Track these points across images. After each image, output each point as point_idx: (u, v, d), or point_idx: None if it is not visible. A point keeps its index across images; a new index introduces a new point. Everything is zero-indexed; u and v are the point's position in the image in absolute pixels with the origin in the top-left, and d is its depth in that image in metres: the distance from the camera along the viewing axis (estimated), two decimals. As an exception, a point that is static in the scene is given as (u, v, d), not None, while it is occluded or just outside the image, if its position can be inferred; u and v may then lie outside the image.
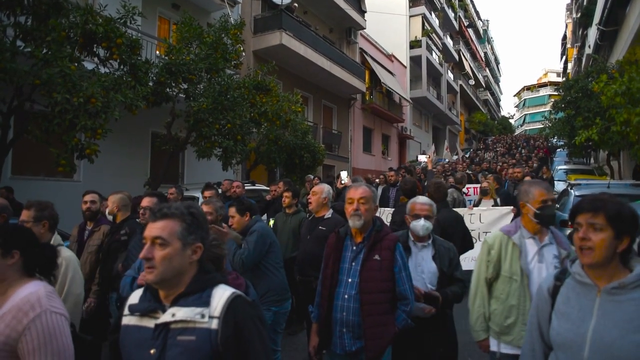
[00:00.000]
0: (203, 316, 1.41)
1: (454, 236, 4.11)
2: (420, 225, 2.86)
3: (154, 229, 1.46)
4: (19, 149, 7.42)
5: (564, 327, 1.64)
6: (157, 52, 10.38)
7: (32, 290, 1.76)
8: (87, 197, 4.40)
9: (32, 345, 1.64)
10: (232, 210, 3.61)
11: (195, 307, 1.42)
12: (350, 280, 2.59)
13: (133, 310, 1.51)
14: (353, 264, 2.63)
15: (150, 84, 7.74)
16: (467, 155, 27.10)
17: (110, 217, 4.26)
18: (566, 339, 1.62)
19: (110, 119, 6.16)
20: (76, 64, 6.00)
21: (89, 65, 6.72)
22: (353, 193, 2.67)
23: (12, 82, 5.64)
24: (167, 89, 8.25)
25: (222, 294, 1.47)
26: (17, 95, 6.14)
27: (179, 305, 1.44)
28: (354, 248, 2.66)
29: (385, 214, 7.67)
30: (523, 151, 25.58)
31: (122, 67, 7.04)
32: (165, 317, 1.42)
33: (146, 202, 3.58)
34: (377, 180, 11.85)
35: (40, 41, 5.98)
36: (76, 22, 6.35)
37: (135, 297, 1.56)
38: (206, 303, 1.44)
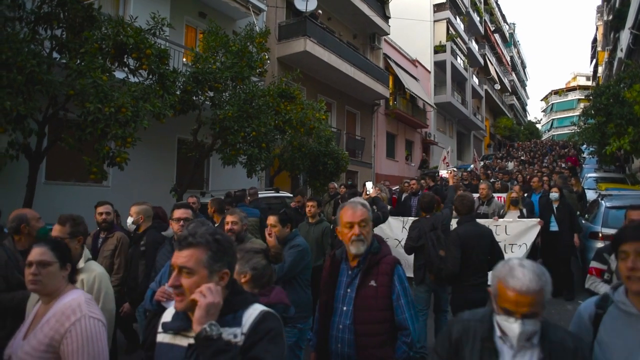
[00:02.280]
0: (236, 336, 1.45)
1: (473, 253, 4.04)
2: (515, 332, 1.53)
3: (180, 257, 1.47)
4: (53, 156, 7.68)
5: (609, 359, 1.58)
6: (184, 60, 10.60)
7: (73, 297, 1.95)
8: (102, 209, 4.45)
9: (72, 348, 1.80)
10: (274, 220, 3.56)
11: (228, 328, 1.46)
12: (345, 308, 2.37)
13: (166, 328, 1.54)
14: (348, 290, 2.40)
15: (178, 92, 7.91)
16: (489, 162, 26.35)
17: (132, 227, 4.33)
18: None
19: (140, 128, 6.34)
20: (108, 75, 6.19)
21: (119, 75, 6.92)
22: (352, 216, 2.36)
23: (47, 93, 5.86)
24: (194, 97, 8.41)
25: (252, 313, 1.51)
26: (52, 105, 6.37)
27: None
28: (350, 273, 2.43)
29: (409, 223, 7.62)
30: (545, 159, 24.62)
31: (150, 76, 7.22)
32: None
33: (181, 213, 3.58)
34: (396, 187, 11.81)
35: (75, 53, 6.21)
36: (108, 34, 6.56)
37: (168, 315, 1.60)
38: (239, 323, 1.48)
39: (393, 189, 12.19)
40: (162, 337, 1.55)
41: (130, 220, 4.29)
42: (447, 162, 17.36)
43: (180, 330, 1.50)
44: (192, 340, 1.45)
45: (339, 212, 2.47)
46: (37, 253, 1.98)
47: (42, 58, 5.75)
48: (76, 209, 8.10)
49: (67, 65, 6.03)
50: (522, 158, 26.79)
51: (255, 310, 1.52)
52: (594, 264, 3.51)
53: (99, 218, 4.44)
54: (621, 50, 19.71)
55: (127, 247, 4.35)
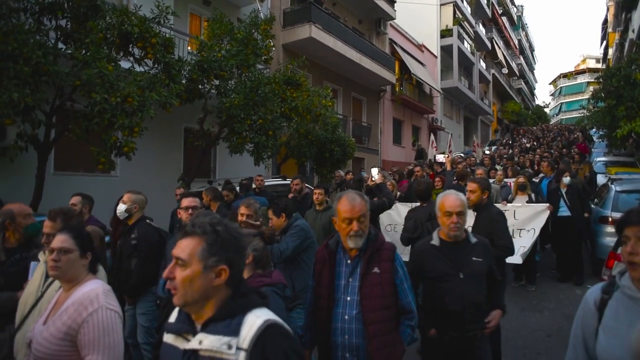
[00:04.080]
0: (230, 347, 1.29)
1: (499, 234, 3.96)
2: None
3: (177, 247, 1.37)
4: (61, 146, 7.72)
5: (612, 343, 1.57)
6: (189, 48, 10.55)
7: (92, 287, 1.99)
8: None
9: (88, 338, 1.84)
10: (269, 213, 3.67)
11: (222, 336, 1.31)
12: (349, 298, 2.33)
13: (168, 330, 1.48)
14: (350, 279, 2.35)
15: (183, 81, 7.89)
16: (492, 149, 25.70)
17: (124, 215, 3.95)
18: (613, 356, 1.56)
19: (146, 117, 6.34)
20: (113, 65, 6.18)
21: (124, 65, 6.91)
22: (351, 211, 2.28)
23: (54, 83, 5.88)
24: (200, 86, 8.39)
25: (253, 322, 1.32)
26: (58, 96, 6.39)
27: (207, 332, 1.34)
28: (349, 262, 2.38)
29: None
30: (552, 145, 23.76)
31: (156, 65, 7.21)
32: (192, 344, 1.35)
33: (189, 201, 3.58)
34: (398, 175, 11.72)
35: (80, 43, 6.21)
36: (113, 24, 6.54)
37: (173, 315, 1.52)
38: (235, 332, 1.31)
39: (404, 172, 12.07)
40: (166, 337, 1.48)
41: (123, 207, 3.91)
42: (435, 147, 17.05)
43: (181, 332, 1.41)
44: (187, 345, 1.35)
45: (336, 203, 2.39)
46: (58, 240, 2.06)
47: (47, 49, 5.75)
48: (85, 199, 8.11)
49: (73, 55, 6.03)
50: (527, 145, 25.54)
51: (257, 319, 1.33)
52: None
53: None
54: (633, 31, 19.31)
55: (98, 241, 3.84)
